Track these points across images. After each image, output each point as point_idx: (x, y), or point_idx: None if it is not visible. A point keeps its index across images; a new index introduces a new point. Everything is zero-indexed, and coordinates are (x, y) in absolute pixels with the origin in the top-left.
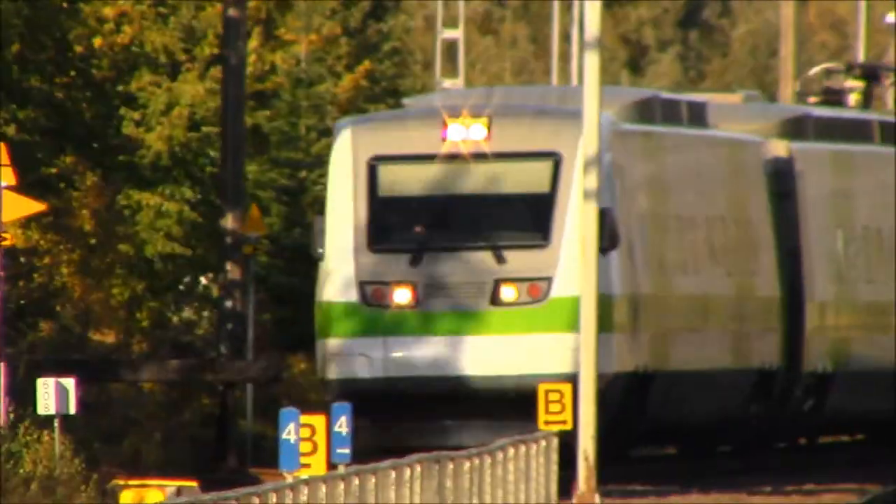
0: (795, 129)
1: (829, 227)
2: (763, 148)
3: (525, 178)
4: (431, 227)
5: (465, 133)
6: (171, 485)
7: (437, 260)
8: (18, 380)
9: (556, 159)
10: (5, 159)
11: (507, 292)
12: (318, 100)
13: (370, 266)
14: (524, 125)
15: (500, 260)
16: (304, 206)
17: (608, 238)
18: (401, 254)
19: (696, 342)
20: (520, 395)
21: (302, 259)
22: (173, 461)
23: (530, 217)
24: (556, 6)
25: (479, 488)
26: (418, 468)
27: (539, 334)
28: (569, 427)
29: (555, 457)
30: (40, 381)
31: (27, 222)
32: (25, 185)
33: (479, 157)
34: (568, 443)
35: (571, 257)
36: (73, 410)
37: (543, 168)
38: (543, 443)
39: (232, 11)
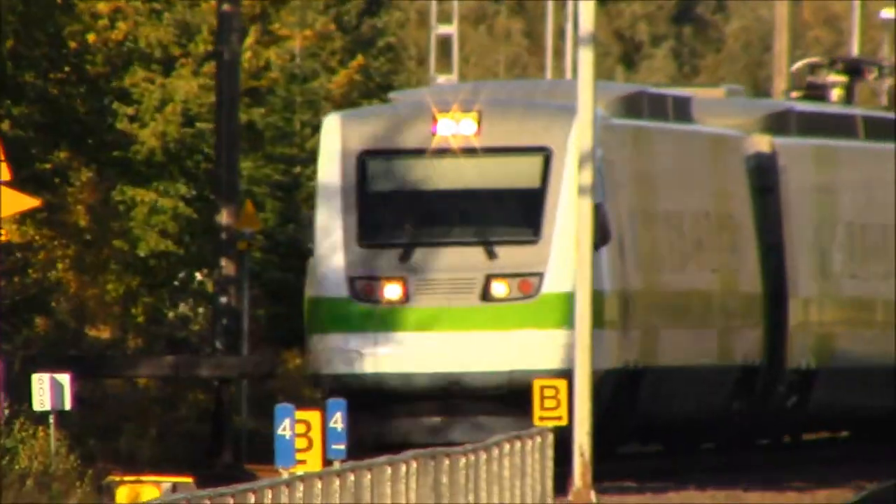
0: (778, 124)
1: (813, 223)
2: (746, 143)
3: (515, 173)
4: (421, 222)
5: (455, 128)
6: (167, 481)
7: (428, 255)
8: (14, 376)
9: (546, 154)
10: (0, 155)
11: (498, 288)
12: (313, 95)
13: (360, 261)
14: (514, 120)
15: (491, 255)
16: (299, 201)
17: (600, 234)
18: (391, 249)
19: (683, 338)
20: (511, 391)
21: (296, 255)
22: (169, 457)
23: (521, 212)
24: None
25: (474, 484)
26: (414, 464)
27: (530, 330)
28: (564, 423)
29: (550, 453)
30: (35, 377)
31: (22, 218)
32: (20, 181)
33: (469, 151)
34: (563, 439)
35: (562, 253)
36: (68, 406)
37: (534, 163)
38: (539, 439)
39: (226, 6)
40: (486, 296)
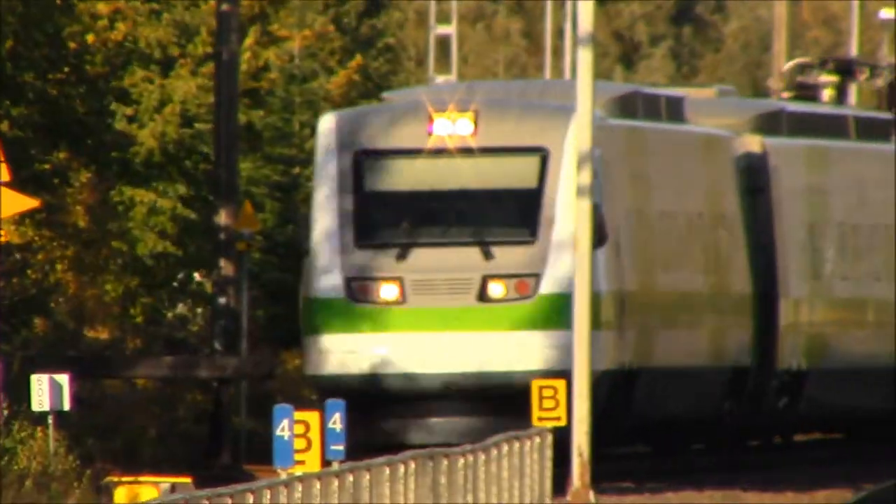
0: (770, 124)
1: (804, 223)
2: (736, 143)
3: (512, 174)
4: (418, 222)
5: (452, 128)
6: (166, 481)
7: (424, 256)
8: (12, 376)
9: (543, 154)
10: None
11: (495, 289)
12: (312, 96)
13: (356, 262)
14: (511, 120)
15: (488, 256)
16: (298, 202)
17: (597, 234)
18: (387, 249)
19: (677, 339)
20: (507, 392)
21: (295, 255)
22: (167, 457)
23: (518, 213)
24: (549, 2)
25: (473, 485)
26: (412, 465)
27: (527, 331)
28: (563, 423)
29: (549, 453)
30: (34, 378)
31: (21, 219)
32: (19, 182)
33: (466, 151)
34: (562, 439)
35: (559, 254)
36: (67, 407)
37: (530, 163)
38: (537, 439)
39: (225, 6)
40: (482, 296)
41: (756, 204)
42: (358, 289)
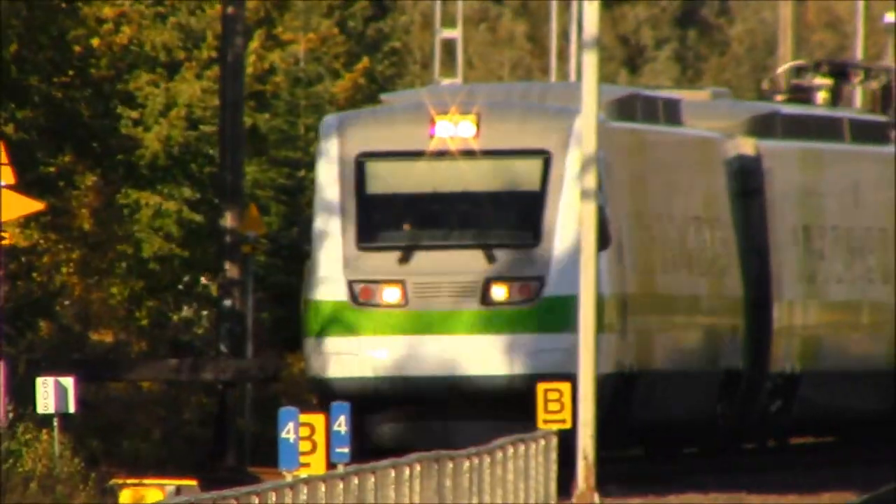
0: (764, 126)
1: (798, 226)
2: (728, 145)
3: (515, 176)
4: (420, 224)
5: (454, 130)
6: (171, 484)
7: (427, 258)
8: (18, 379)
9: (545, 157)
10: (4, 158)
11: (498, 292)
12: (317, 99)
13: (359, 264)
14: (513, 122)
15: (491, 259)
16: (303, 205)
17: (601, 237)
18: (390, 252)
19: (675, 342)
20: (511, 395)
21: (300, 258)
22: (172, 460)
23: (521, 215)
24: (555, 5)
25: (478, 487)
26: (418, 467)
27: (530, 334)
28: (568, 426)
29: (554, 456)
30: (39, 381)
31: (26, 221)
32: (24, 185)
33: (468, 154)
34: (566, 442)
35: (562, 257)
36: (72, 409)
37: (533, 166)
38: (542, 442)
39: (230, 9)
40: (485, 299)
41: (750, 206)
42: (360, 291)
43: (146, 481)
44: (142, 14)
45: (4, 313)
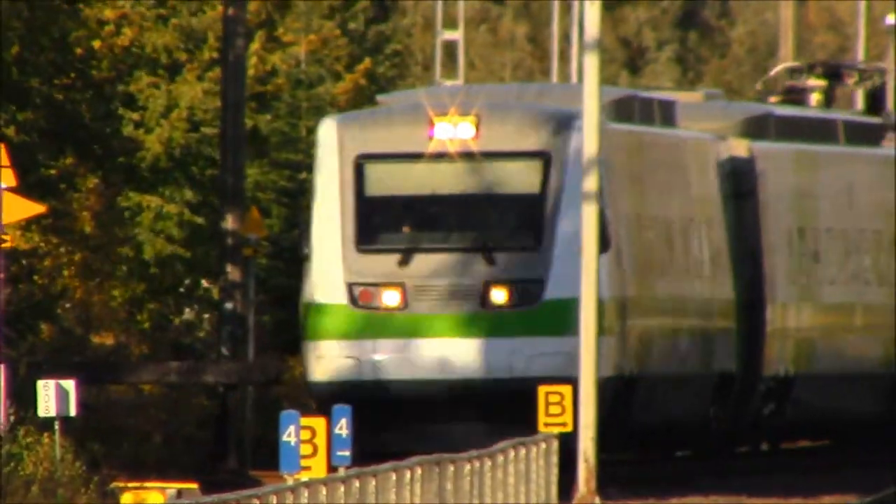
0: (757, 128)
1: (791, 227)
2: (720, 146)
3: (514, 178)
4: (420, 227)
5: (453, 131)
6: (172, 487)
7: (426, 261)
8: (19, 382)
9: (545, 159)
10: (5, 161)
11: (498, 295)
12: (319, 101)
13: (358, 267)
14: (513, 124)
15: (491, 262)
16: (304, 207)
17: (601, 240)
18: (389, 254)
19: (672, 345)
20: (511, 398)
21: (301, 261)
22: (173, 463)
23: (520, 218)
24: (556, 6)
25: (479, 490)
26: (419, 470)
27: (530, 337)
28: (569, 429)
29: (555, 459)
30: (41, 383)
31: (27, 224)
32: (25, 187)
33: (467, 156)
34: (567, 445)
35: (563, 259)
36: (73, 412)
37: (533, 168)
38: (543, 445)
39: (231, 10)
40: (485, 302)
41: (743, 208)
42: (359, 294)
43: (147, 484)
44: (143, 16)
45: (5, 316)
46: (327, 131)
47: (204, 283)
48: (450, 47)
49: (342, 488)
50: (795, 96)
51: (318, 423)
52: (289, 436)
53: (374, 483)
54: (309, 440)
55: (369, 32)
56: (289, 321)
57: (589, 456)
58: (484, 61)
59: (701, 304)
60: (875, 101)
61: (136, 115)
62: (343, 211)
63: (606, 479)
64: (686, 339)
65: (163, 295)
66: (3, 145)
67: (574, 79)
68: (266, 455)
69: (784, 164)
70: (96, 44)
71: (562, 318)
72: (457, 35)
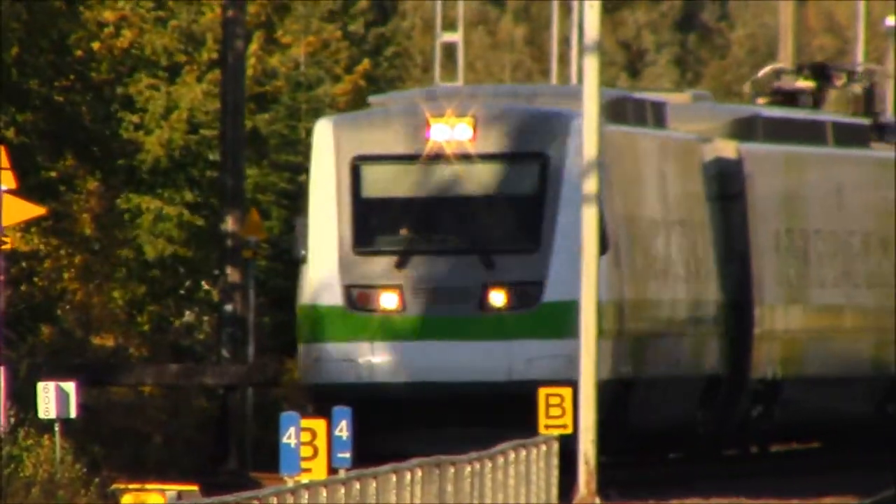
0: (745, 129)
1: (779, 229)
2: (707, 148)
3: (512, 180)
4: (417, 229)
5: (450, 133)
6: (172, 488)
7: (424, 263)
8: (19, 384)
9: (543, 160)
10: (5, 163)
11: (496, 297)
12: (318, 103)
13: (355, 269)
14: (511, 125)
15: (489, 264)
16: (299, 210)
17: (600, 242)
18: (386, 256)
19: (665, 348)
20: (509, 401)
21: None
22: (174, 465)
23: (519, 220)
24: (556, 8)
25: (479, 492)
26: (419, 472)
27: (529, 340)
28: (569, 431)
29: (555, 461)
30: (41, 385)
31: (27, 226)
32: (25, 189)
33: (465, 157)
34: (567, 447)
35: (562, 262)
36: (73, 414)
37: (531, 169)
38: (544, 447)
39: (231, 12)
40: (483, 305)
41: (731, 209)
42: (357, 297)
43: (148, 486)
44: (142, 17)
45: (5, 318)
46: (323, 133)
47: (204, 284)
48: (449, 49)
49: (342, 490)
50: (785, 98)
51: (319, 424)
52: (289, 437)
53: (374, 485)
54: (309, 442)
55: (369, 34)
56: (288, 323)
57: (589, 458)
58: (483, 63)
59: (690, 306)
60: (868, 103)
61: (135, 117)
62: (340, 213)
63: (606, 480)
64: (677, 341)
65: (163, 297)
66: (2, 147)
67: (574, 81)
68: (266, 457)
69: (772, 165)
70: (96, 45)
71: (560, 321)
72: (456, 37)
